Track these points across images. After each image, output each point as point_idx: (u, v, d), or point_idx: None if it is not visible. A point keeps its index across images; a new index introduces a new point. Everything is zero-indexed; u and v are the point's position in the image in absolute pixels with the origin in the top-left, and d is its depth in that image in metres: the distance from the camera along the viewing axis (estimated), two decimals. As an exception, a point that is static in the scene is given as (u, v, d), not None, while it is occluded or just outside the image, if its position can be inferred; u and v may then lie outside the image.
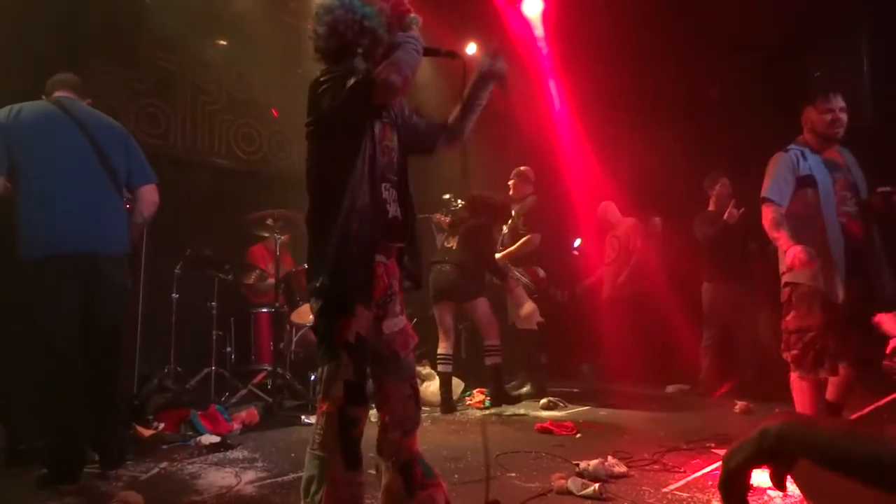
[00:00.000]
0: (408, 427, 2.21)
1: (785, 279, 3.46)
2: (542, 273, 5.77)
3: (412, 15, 2.24)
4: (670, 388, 5.88)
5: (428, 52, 2.23)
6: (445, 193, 6.83)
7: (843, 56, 5.89)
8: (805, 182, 3.42)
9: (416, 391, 2.27)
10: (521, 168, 6.01)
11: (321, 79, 2.10)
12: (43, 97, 3.32)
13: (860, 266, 3.32)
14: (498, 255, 5.66)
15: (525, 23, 7.02)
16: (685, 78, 6.74)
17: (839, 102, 3.47)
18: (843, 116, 3.45)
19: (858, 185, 3.46)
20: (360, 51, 2.14)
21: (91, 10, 5.29)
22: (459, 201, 6.43)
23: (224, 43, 6.35)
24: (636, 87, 6.81)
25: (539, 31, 7.02)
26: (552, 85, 7.30)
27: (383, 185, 2.17)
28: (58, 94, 3.30)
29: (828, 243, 3.31)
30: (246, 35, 6.32)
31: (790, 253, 3.20)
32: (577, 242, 7.47)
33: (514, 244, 5.73)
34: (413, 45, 2.12)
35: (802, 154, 3.47)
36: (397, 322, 2.24)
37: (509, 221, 5.86)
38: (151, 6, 5.73)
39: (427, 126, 2.43)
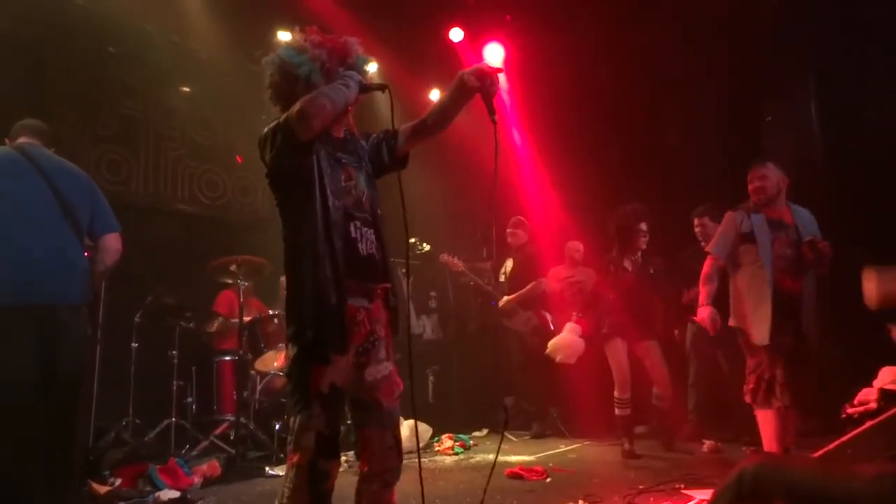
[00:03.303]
0: (388, 478, 2.17)
1: (730, 323, 3.94)
2: (550, 318, 5.95)
3: (357, 56, 2.33)
4: (639, 429, 5.88)
5: (363, 88, 2.29)
6: (411, 237, 6.84)
7: (794, 101, 6.13)
8: (747, 238, 3.87)
9: (398, 441, 2.21)
10: (519, 217, 6.33)
11: (263, 132, 2.18)
12: (6, 141, 3.27)
13: (793, 313, 3.74)
14: (505, 300, 5.98)
15: (487, 70, 7.18)
16: (642, 120, 6.94)
17: (761, 171, 3.92)
18: (765, 184, 3.88)
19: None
20: (299, 96, 2.17)
21: (55, 57, 5.27)
22: (426, 245, 6.49)
23: (188, 90, 6.36)
24: (595, 129, 6.98)
25: (501, 77, 7.18)
26: (514, 131, 7.44)
27: (352, 224, 2.16)
28: (22, 139, 3.26)
29: (764, 292, 3.73)
30: (210, 82, 6.35)
31: (700, 311, 3.96)
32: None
33: (514, 290, 6.00)
34: (343, 81, 2.19)
35: (748, 214, 3.92)
36: (381, 369, 2.19)
37: (508, 268, 6.02)
38: (116, 54, 5.72)
39: (385, 134, 2.52)
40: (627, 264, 5.15)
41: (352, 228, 2.15)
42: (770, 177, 3.89)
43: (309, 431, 1.98)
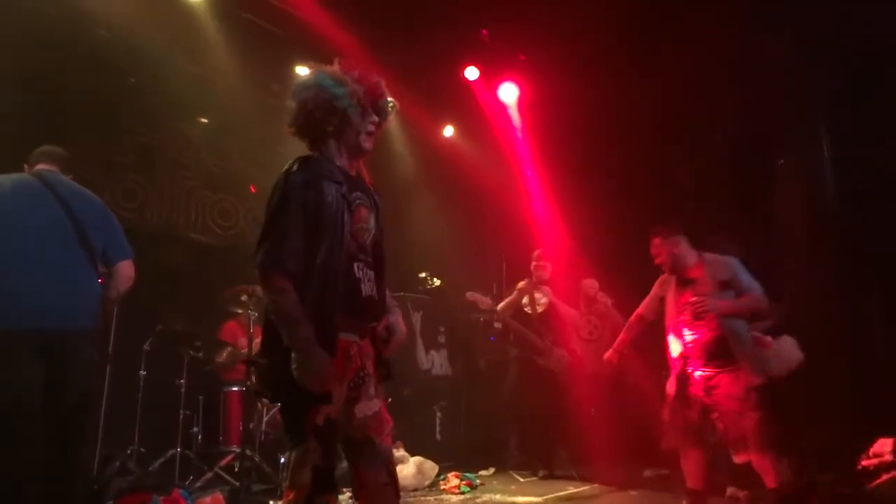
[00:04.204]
0: None
1: None
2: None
3: (388, 99, 2.33)
4: (647, 473, 5.77)
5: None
6: (421, 272, 6.87)
7: (807, 144, 6.15)
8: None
9: (394, 478, 2.19)
10: (541, 251, 6.17)
11: (283, 176, 2.14)
12: (25, 167, 3.31)
13: (700, 358, 3.94)
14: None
15: (501, 108, 7.26)
16: (654, 161, 6.97)
17: (652, 248, 4.21)
18: (660, 259, 4.18)
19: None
20: (329, 129, 2.20)
21: (77, 84, 5.37)
22: (436, 280, 6.47)
23: (206, 121, 6.44)
24: (606, 169, 7.01)
25: (515, 116, 7.26)
26: (527, 167, 7.48)
27: (356, 264, 2.17)
28: (40, 166, 3.30)
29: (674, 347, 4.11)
30: (227, 113, 6.43)
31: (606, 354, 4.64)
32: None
33: (543, 323, 5.87)
34: (305, 342, 1.98)
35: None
36: (371, 405, 2.17)
37: (541, 301, 5.93)
38: (136, 84, 5.82)
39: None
40: None
41: (356, 268, 2.16)
42: (661, 251, 4.15)
43: (305, 467, 1.96)
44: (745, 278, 3.97)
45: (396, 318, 2.33)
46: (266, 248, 2.06)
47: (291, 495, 1.97)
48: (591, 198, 6.90)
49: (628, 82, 6.48)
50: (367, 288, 2.19)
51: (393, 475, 2.19)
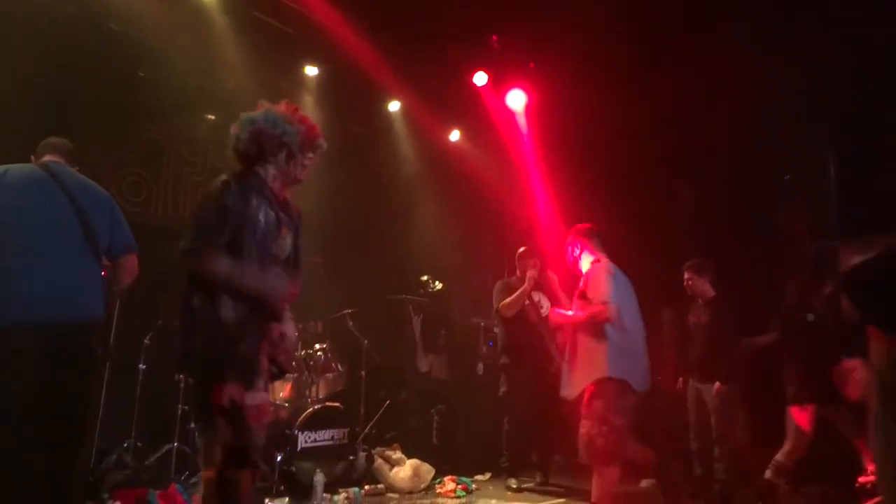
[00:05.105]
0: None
1: None
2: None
3: (321, 140, 2.68)
4: (645, 483, 5.76)
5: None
6: (423, 275, 6.87)
7: (810, 160, 6.15)
8: None
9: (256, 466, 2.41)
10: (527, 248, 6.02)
11: (219, 185, 2.50)
12: (32, 158, 3.32)
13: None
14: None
15: (509, 114, 7.27)
16: (658, 173, 6.98)
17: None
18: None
19: None
20: (271, 158, 2.57)
21: (86, 78, 5.38)
22: (438, 283, 6.47)
23: (213, 117, 6.46)
24: (611, 181, 7.01)
25: (522, 123, 7.26)
26: (533, 174, 7.48)
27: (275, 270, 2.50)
28: (47, 157, 3.31)
29: None
30: (235, 111, 6.39)
31: None
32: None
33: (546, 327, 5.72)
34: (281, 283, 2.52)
35: None
36: (257, 397, 2.39)
37: (545, 303, 5.80)
38: (144, 79, 5.84)
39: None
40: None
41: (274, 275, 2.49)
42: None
43: (216, 446, 2.16)
44: (591, 291, 4.10)
45: (290, 327, 2.67)
46: (191, 236, 2.43)
47: (207, 473, 2.16)
48: (595, 207, 6.89)
49: (636, 94, 6.48)
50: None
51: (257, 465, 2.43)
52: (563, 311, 4.40)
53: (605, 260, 4.26)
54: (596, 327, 3.99)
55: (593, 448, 3.89)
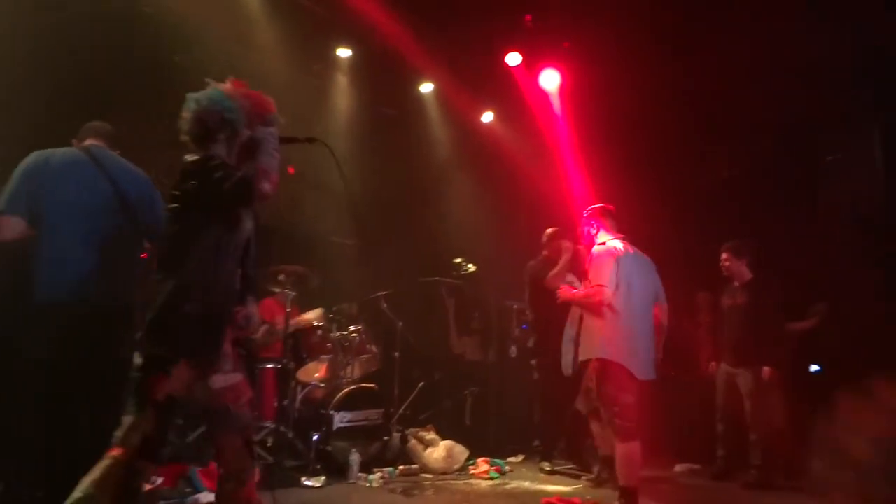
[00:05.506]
0: (242, 478, 2.38)
1: None
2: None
3: (274, 114, 2.64)
4: (679, 468, 5.72)
5: (285, 140, 2.62)
6: (456, 257, 6.86)
7: (856, 140, 5.96)
8: None
9: (249, 443, 2.44)
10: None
11: (189, 167, 2.44)
12: (74, 142, 3.37)
13: None
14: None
15: (542, 94, 7.17)
16: (695, 152, 6.85)
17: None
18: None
19: None
20: (220, 136, 2.50)
21: (123, 62, 5.44)
22: (471, 266, 6.46)
23: (247, 100, 6.47)
24: (647, 160, 6.90)
25: (556, 103, 7.17)
26: (566, 155, 7.39)
27: (227, 258, 2.45)
28: (89, 141, 3.36)
29: None
30: (270, 93, 6.43)
31: None
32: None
33: None
34: (272, 143, 2.50)
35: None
36: (227, 378, 2.41)
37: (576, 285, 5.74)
38: (180, 62, 5.88)
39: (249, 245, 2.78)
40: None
41: (225, 262, 2.43)
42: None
43: (137, 432, 2.16)
44: (591, 273, 4.21)
45: (254, 310, 2.65)
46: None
47: (117, 451, 2.14)
48: (630, 188, 6.78)
49: (673, 71, 6.35)
50: (229, 279, 2.47)
51: (249, 440, 2.45)
52: (569, 288, 4.57)
53: (616, 241, 4.27)
54: (596, 308, 4.08)
55: (611, 428, 4.02)
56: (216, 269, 2.36)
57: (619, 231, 4.40)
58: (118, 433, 2.19)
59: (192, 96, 2.55)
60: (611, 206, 4.55)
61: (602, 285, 4.01)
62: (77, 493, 2.08)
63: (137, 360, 2.27)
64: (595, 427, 4.62)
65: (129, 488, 2.11)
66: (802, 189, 6.30)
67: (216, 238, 2.37)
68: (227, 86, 2.57)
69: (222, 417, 2.40)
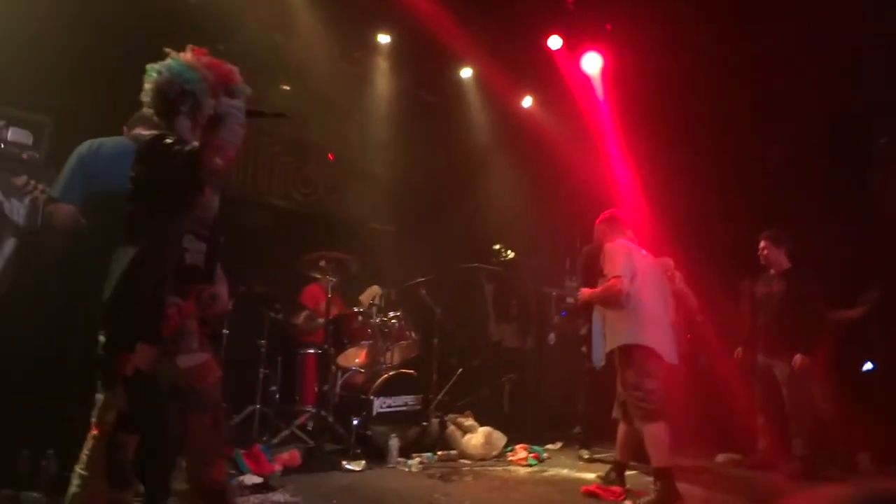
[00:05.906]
0: (211, 457, 2.38)
1: None
2: None
3: (240, 84, 2.49)
4: (720, 458, 5.65)
5: (252, 114, 2.41)
6: (495, 244, 6.84)
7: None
8: None
9: (218, 422, 2.41)
10: None
11: (141, 148, 2.35)
12: (124, 129, 3.45)
13: None
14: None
15: (584, 78, 7.06)
16: (743, 137, 6.67)
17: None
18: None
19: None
20: (183, 109, 2.39)
21: (160, 49, 5.51)
22: (510, 252, 6.44)
23: (288, 88, 6.54)
24: (693, 145, 6.75)
25: (598, 87, 7.05)
26: (608, 141, 7.28)
27: (189, 235, 2.37)
28: (138, 130, 3.43)
29: None
30: (310, 81, 6.50)
31: None
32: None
33: None
34: (236, 118, 2.26)
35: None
36: (195, 358, 2.38)
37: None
38: (223, 51, 5.94)
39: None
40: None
41: (186, 240, 2.36)
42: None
43: (112, 409, 2.16)
44: (606, 267, 4.24)
45: (221, 289, 2.55)
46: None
47: (96, 430, 2.17)
48: (675, 174, 6.66)
49: (720, 54, 6.18)
50: (190, 257, 2.38)
51: (218, 420, 2.42)
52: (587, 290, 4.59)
53: (625, 241, 4.40)
54: (616, 300, 4.12)
55: (637, 414, 4.03)
56: (172, 249, 2.31)
57: (625, 233, 4.54)
58: (93, 413, 2.22)
59: (152, 67, 2.44)
60: (619, 212, 4.72)
61: (619, 276, 4.08)
62: (72, 487, 2.16)
63: (101, 338, 2.22)
64: (620, 431, 4.50)
65: (115, 461, 2.15)
66: (855, 173, 6.10)
67: (171, 217, 2.31)
68: (187, 55, 2.45)
69: (191, 397, 2.37)
